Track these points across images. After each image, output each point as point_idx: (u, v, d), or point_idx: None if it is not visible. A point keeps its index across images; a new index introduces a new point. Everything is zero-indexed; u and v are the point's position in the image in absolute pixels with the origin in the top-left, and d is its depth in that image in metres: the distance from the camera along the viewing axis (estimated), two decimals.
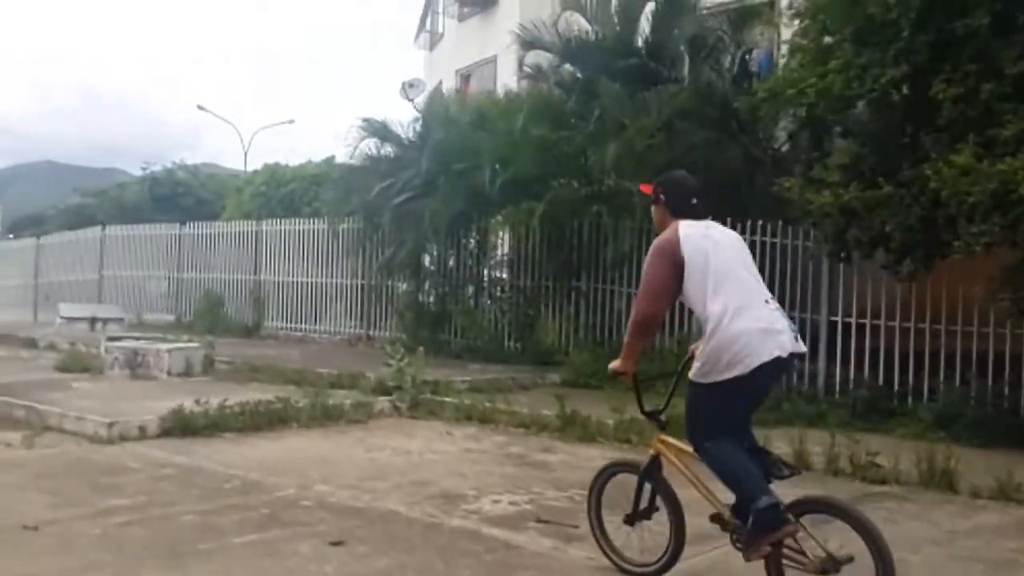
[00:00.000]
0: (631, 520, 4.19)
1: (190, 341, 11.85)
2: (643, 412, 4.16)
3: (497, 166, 11.30)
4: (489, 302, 12.91)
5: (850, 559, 3.44)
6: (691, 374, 3.75)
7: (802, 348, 3.78)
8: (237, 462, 6.43)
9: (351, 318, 15.10)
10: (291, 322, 16.14)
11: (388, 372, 9.28)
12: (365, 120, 14.11)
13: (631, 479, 4.22)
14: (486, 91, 16.68)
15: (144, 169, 46.45)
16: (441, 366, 10.75)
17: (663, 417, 4.11)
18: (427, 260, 13.85)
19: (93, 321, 16.50)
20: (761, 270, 4.32)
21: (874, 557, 3.37)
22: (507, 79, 15.36)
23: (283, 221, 16.63)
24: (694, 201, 3.95)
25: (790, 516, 3.53)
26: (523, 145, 11.33)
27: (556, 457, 7.11)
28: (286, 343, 15.06)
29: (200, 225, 18.03)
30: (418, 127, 13.73)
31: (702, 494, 3.91)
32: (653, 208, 4.04)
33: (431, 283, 13.57)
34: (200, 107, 44.89)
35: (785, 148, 10.73)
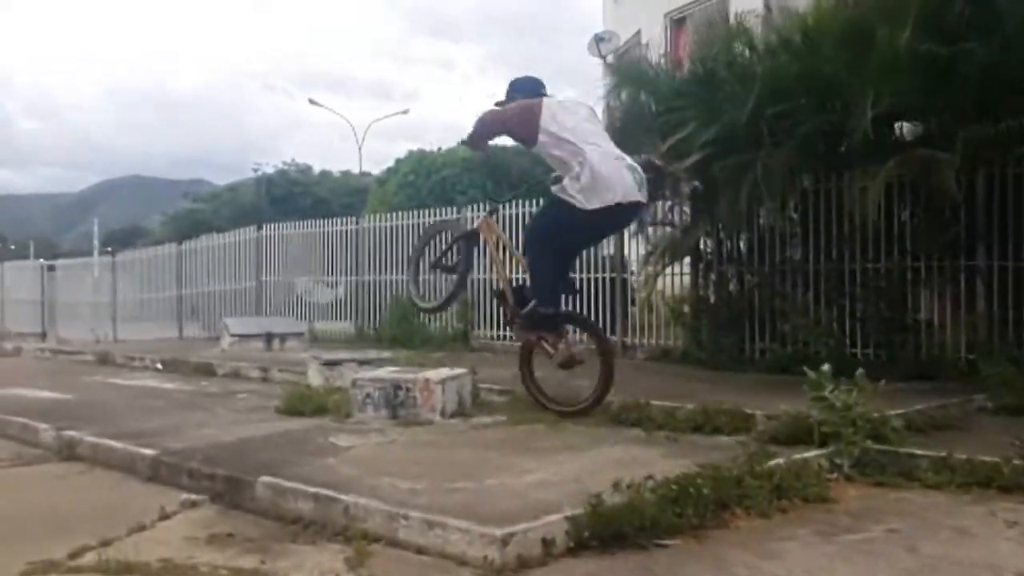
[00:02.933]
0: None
1: (448, 367, 8.83)
2: None
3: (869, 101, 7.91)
4: (812, 294, 9.54)
5: (582, 361, 5.76)
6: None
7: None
8: None
9: (594, 320, 11.91)
10: (504, 328, 13.11)
11: (813, 409, 6.05)
12: (612, 67, 10.98)
13: None
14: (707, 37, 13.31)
15: (255, 171, 44.50)
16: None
17: None
18: (706, 243, 10.59)
19: (269, 338, 13.77)
20: None
21: (602, 364, 5.62)
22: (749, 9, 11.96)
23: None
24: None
25: (559, 324, 5.27)
26: (897, 71, 7.97)
27: None
28: (509, 356, 12.00)
29: (380, 218, 15.13)
30: (687, 67, 10.48)
31: (497, 264, 6.00)
32: None
33: (731, 270, 10.27)
34: (312, 101, 42.71)
35: None
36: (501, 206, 6.51)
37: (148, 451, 6.30)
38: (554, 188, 6.05)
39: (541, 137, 6.06)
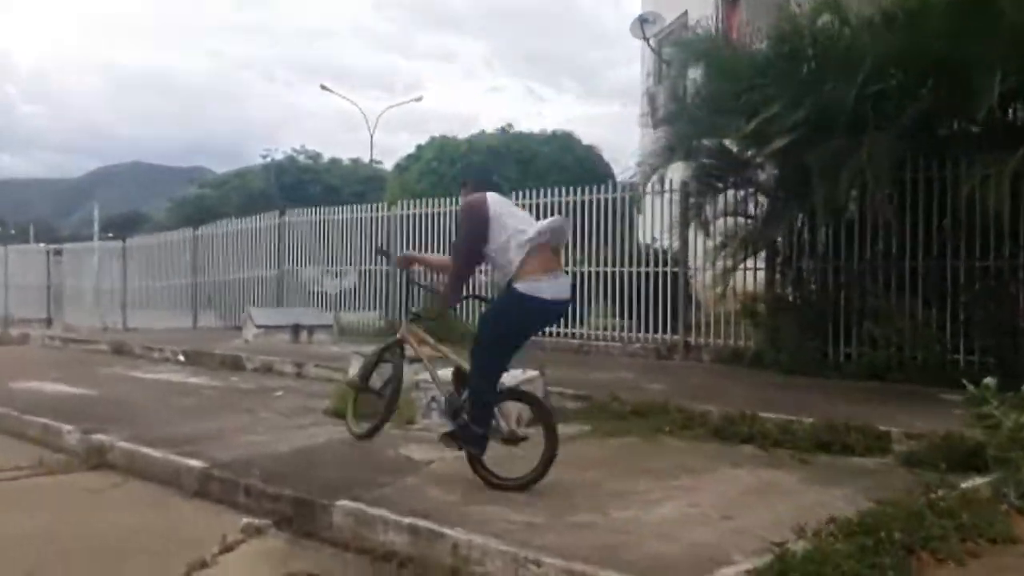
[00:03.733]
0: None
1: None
2: None
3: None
4: (908, 293, 8.67)
5: (526, 438, 4.95)
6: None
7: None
8: None
9: (651, 319, 11.06)
10: (558, 325, 12.20)
11: (974, 429, 5.20)
12: (681, 43, 10.11)
13: None
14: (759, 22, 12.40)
15: (264, 157, 43.52)
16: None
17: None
18: (781, 236, 9.70)
19: (296, 329, 12.91)
20: None
21: (546, 438, 4.80)
22: None
23: (540, 192, 12.66)
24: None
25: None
26: None
27: None
28: (564, 354, 11.16)
29: (412, 204, 14.22)
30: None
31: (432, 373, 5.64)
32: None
33: (813, 266, 9.40)
34: (323, 87, 41.71)
35: None
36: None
37: (194, 462, 5.46)
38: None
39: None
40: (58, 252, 23.56)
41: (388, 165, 45.63)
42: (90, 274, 21.35)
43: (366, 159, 46.00)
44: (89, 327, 18.17)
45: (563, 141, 24.60)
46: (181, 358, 11.66)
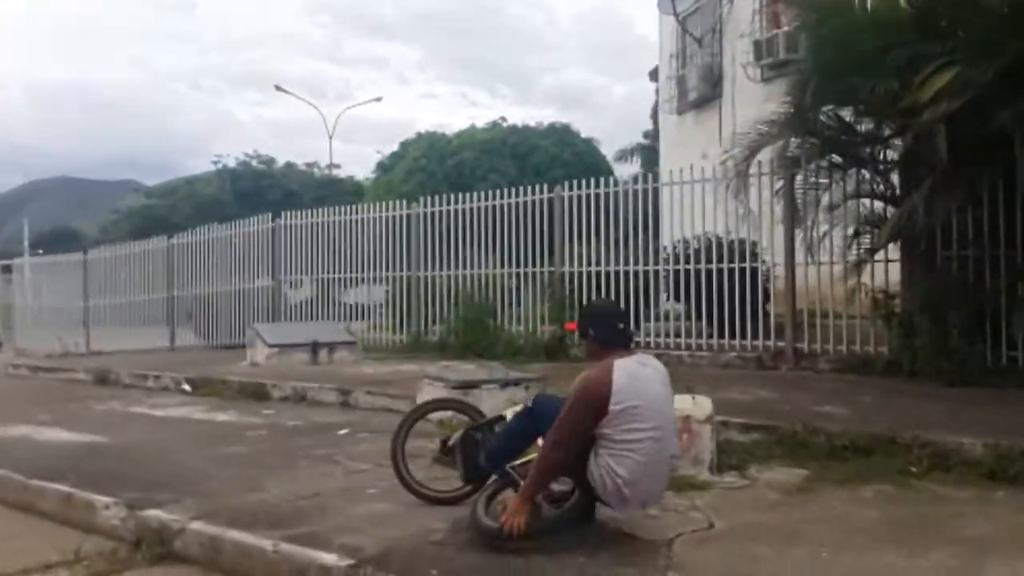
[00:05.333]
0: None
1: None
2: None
3: None
4: None
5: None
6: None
7: None
8: None
9: (744, 323, 9.51)
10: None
11: None
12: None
13: None
14: None
15: (216, 164, 41.24)
16: None
17: None
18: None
19: (315, 348, 11.08)
20: None
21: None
22: None
23: (590, 184, 11.05)
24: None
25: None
26: None
27: None
28: None
29: (434, 202, 12.45)
30: None
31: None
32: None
33: (974, 254, 7.93)
34: (278, 88, 39.64)
35: None
36: None
37: (328, 556, 3.72)
38: None
39: None
40: (5, 269, 21.17)
41: (344, 171, 43.74)
42: (44, 291, 19.11)
43: (328, 163, 43.99)
44: (47, 350, 15.97)
45: (562, 135, 23.00)
46: (186, 387, 9.77)
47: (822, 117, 8.44)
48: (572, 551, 3.70)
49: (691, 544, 3.80)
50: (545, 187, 11.30)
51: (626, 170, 23.42)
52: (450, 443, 4.54)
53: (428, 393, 7.42)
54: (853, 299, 8.35)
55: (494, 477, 4.22)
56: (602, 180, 11.04)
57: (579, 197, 10.97)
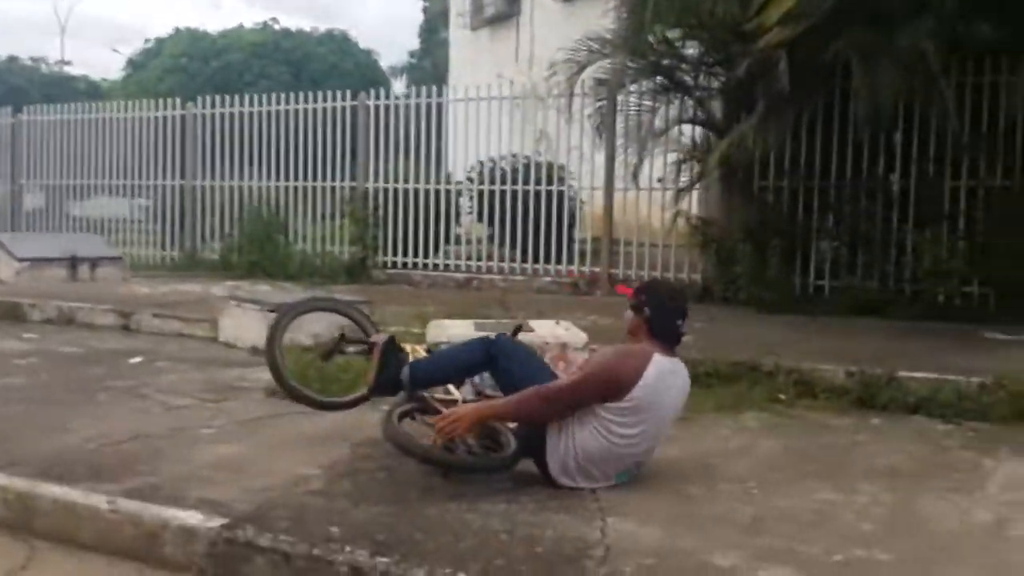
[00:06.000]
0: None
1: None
2: None
3: None
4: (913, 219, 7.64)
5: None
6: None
7: None
8: None
9: (559, 249, 9.29)
10: (435, 256, 10.07)
11: None
12: None
13: None
14: None
15: None
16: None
17: None
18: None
19: (74, 263, 9.65)
20: None
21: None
22: None
23: (399, 94, 10.30)
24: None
25: None
26: None
27: None
28: (454, 292, 9.16)
29: (215, 103, 11.13)
30: None
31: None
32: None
33: (786, 185, 8.08)
34: None
35: None
36: None
37: (195, 517, 3.00)
38: None
39: None
40: None
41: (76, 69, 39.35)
42: None
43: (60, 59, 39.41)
44: None
45: (340, 43, 21.50)
46: None
47: (650, 38, 8.21)
48: (489, 497, 3.21)
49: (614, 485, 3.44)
50: (348, 93, 10.42)
51: (399, 89, 22.64)
52: (372, 339, 3.86)
53: (237, 317, 6.57)
54: (674, 227, 8.33)
55: (402, 394, 3.66)
56: (415, 90, 10.35)
57: (385, 107, 10.21)
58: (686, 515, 3.10)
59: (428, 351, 3.93)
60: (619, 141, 8.80)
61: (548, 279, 9.24)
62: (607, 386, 3.27)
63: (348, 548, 2.75)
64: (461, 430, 3.26)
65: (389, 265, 10.05)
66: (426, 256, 9.96)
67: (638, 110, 8.56)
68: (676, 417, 3.50)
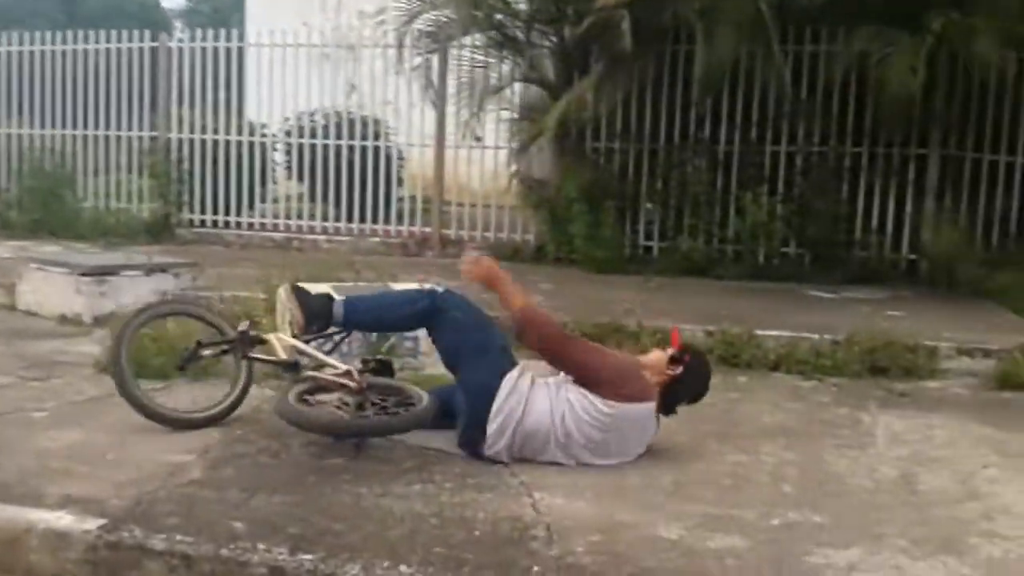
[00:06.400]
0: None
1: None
2: None
3: None
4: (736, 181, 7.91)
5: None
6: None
7: None
8: None
9: (384, 208, 8.93)
10: (250, 215, 9.38)
11: None
12: None
13: None
14: None
15: None
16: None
17: None
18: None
19: None
20: None
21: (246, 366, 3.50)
22: None
23: (207, 36, 9.43)
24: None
25: None
26: None
27: None
28: (275, 253, 8.58)
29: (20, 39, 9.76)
30: None
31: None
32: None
33: (621, 146, 8.12)
34: None
35: None
36: None
37: (61, 518, 2.56)
38: None
39: None
40: None
41: None
42: None
43: None
44: None
45: None
46: None
47: None
48: (399, 478, 2.95)
49: None
50: (148, 33, 9.46)
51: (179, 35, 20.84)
52: (231, 336, 3.52)
53: (38, 282, 5.81)
54: (508, 187, 8.20)
55: (306, 371, 3.32)
56: (222, 32, 9.51)
57: (190, 50, 9.37)
58: (608, 485, 2.99)
59: (295, 337, 3.50)
60: (450, 96, 8.53)
61: (376, 240, 8.86)
62: (611, 378, 3.16)
63: (262, 546, 2.42)
64: (482, 274, 3.31)
65: (197, 223, 9.28)
66: (239, 214, 9.28)
67: (471, 66, 8.32)
68: (638, 453, 3.26)
